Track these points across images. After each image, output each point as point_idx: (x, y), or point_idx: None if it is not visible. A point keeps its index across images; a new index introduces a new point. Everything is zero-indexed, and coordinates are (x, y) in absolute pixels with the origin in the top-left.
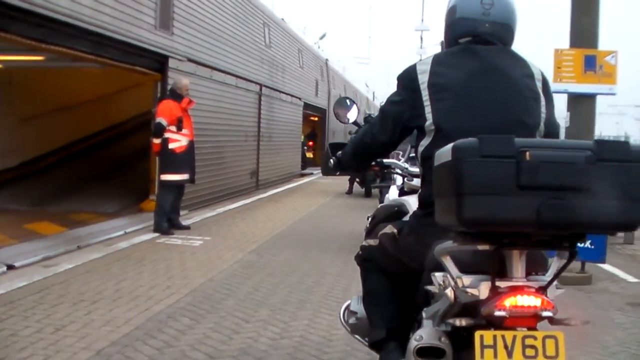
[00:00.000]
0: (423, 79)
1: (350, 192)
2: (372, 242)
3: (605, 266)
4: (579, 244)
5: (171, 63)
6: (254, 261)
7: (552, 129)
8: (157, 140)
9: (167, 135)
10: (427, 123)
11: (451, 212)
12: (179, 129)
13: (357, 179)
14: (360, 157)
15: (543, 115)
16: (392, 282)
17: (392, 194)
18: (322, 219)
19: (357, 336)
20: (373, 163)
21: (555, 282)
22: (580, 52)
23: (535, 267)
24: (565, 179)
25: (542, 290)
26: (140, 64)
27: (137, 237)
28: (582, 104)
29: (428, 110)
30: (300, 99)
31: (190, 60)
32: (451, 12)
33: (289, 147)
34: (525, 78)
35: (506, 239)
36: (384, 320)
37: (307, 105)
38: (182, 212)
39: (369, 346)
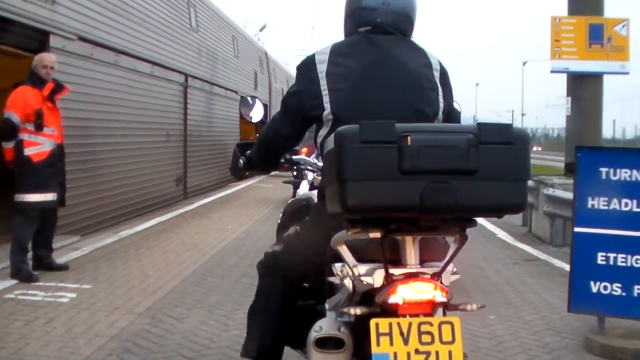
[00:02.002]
0: (321, 68)
1: None
2: (277, 247)
3: None
4: None
5: (53, 41)
6: (141, 335)
7: (452, 118)
8: (8, 145)
9: (21, 136)
10: (325, 112)
11: (336, 199)
12: (38, 127)
13: None
14: (266, 153)
15: (441, 105)
16: (289, 295)
17: (303, 189)
18: (258, 244)
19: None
20: (282, 160)
21: (451, 268)
22: (584, 21)
23: (431, 254)
24: (448, 163)
25: (436, 276)
26: (7, 42)
27: None
28: (586, 87)
29: (326, 99)
30: (236, 92)
31: (82, 39)
32: (352, 1)
33: (224, 147)
34: (423, 68)
35: (393, 224)
36: (261, 335)
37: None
38: (72, 239)
39: (240, 355)
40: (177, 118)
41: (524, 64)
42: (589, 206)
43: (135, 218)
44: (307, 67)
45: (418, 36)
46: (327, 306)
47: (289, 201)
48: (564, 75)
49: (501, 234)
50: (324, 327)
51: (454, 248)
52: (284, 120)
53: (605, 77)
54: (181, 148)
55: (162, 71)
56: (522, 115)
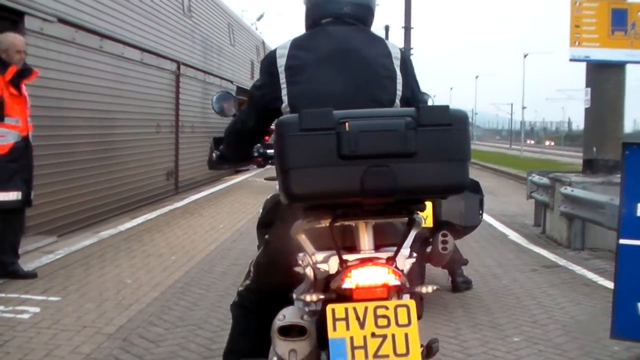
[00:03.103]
0: (281, 62)
1: None
2: (248, 280)
3: None
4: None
5: (29, 23)
6: None
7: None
8: None
9: None
10: (283, 105)
11: (282, 188)
12: None
13: None
14: (234, 145)
15: (399, 93)
16: (264, 335)
17: None
18: (251, 247)
19: None
20: (256, 154)
21: (406, 252)
22: (606, 5)
23: (388, 239)
24: (386, 147)
25: (390, 260)
26: None
27: None
28: (608, 77)
29: (284, 92)
30: (232, 82)
31: (63, 21)
32: None
33: None
34: (381, 57)
35: (340, 210)
36: None
37: (241, 90)
38: (47, 241)
39: None
40: (169, 108)
41: (525, 56)
42: (638, 214)
43: (120, 215)
44: (268, 61)
45: (418, 29)
46: (294, 295)
47: (268, 197)
48: (565, 70)
49: (513, 235)
50: (287, 315)
51: (413, 232)
52: (250, 113)
53: None
54: (172, 140)
55: (152, 58)
56: (523, 108)
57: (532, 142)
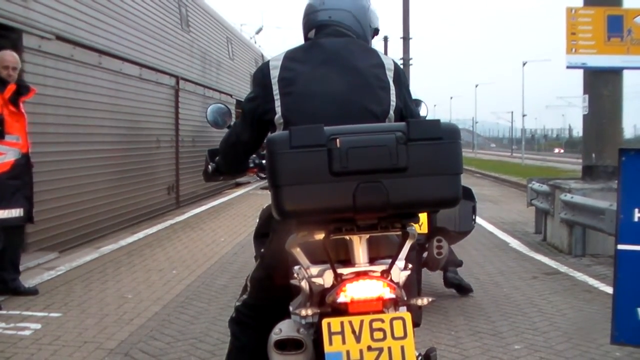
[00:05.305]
0: (274, 74)
1: None
2: (245, 295)
3: None
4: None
5: (27, 41)
6: None
7: (408, 115)
8: None
9: None
10: (277, 117)
11: (274, 204)
12: (0, 135)
13: None
14: (230, 158)
15: (393, 104)
16: (261, 351)
17: None
18: (252, 260)
19: None
20: (252, 165)
21: (401, 265)
22: (602, 12)
23: (383, 252)
24: (377, 162)
25: (385, 273)
26: None
27: None
28: (605, 83)
29: (277, 104)
30: (231, 95)
31: (61, 38)
32: (304, 12)
33: None
34: (373, 68)
35: (333, 225)
36: None
37: (240, 104)
38: (49, 257)
39: None
40: (168, 123)
41: (524, 64)
42: (636, 219)
43: (121, 231)
44: (261, 73)
45: (417, 39)
46: (291, 308)
47: (264, 207)
48: (564, 77)
49: (514, 243)
50: (283, 329)
51: (407, 244)
52: (243, 125)
53: None
54: (173, 154)
55: (151, 74)
56: (523, 116)
57: (562, 150)
